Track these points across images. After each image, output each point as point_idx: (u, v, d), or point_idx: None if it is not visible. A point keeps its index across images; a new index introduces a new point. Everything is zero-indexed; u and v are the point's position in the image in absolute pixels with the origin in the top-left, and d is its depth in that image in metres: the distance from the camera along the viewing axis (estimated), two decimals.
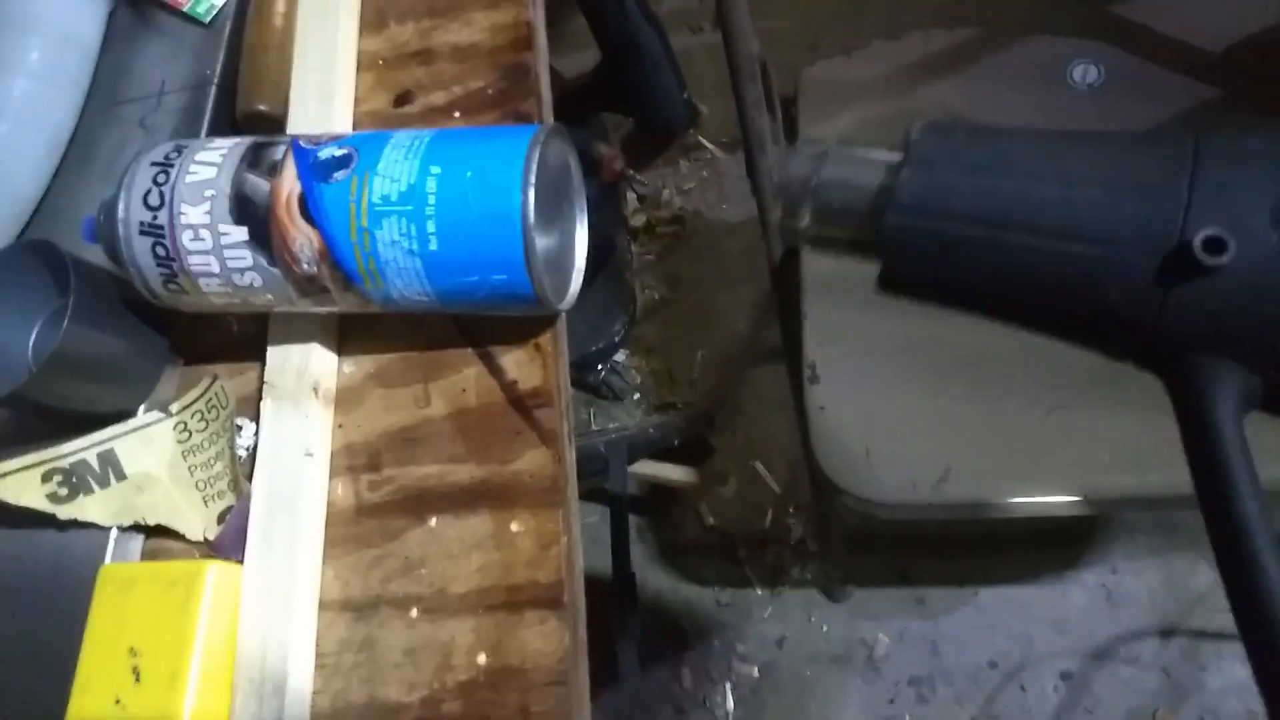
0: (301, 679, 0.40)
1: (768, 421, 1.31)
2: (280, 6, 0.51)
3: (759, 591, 1.24)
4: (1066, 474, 0.75)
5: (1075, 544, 1.15)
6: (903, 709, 1.12)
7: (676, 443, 1.21)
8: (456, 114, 0.48)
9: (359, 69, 0.51)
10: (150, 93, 0.53)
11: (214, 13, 0.53)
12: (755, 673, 1.20)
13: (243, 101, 0.50)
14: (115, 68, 0.54)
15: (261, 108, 0.49)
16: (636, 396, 1.38)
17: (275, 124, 0.49)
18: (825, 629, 1.19)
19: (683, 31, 1.56)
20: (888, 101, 0.91)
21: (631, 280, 1.40)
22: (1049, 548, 1.16)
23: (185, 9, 0.53)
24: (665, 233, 1.43)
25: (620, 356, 1.39)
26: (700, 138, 1.51)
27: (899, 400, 0.79)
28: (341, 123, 0.49)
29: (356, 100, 0.51)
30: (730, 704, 1.19)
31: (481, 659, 0.39)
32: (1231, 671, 1.05)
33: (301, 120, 0.49)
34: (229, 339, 0.48)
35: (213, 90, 0.51)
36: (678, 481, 1.19)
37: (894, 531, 1.19)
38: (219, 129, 0.51)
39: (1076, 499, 0.75)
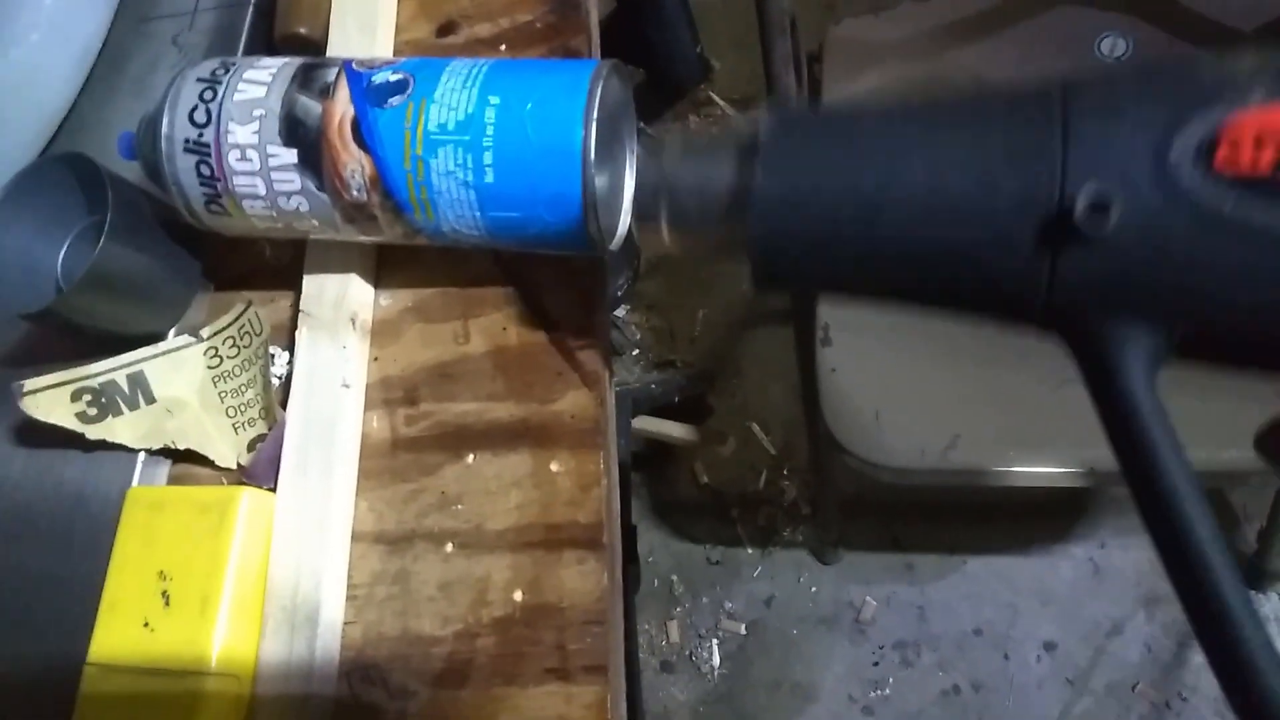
0: (333, 609, 0.40)
1: (765, 385, 1.31)
2: None
3: (749, 551, 1.25)
4: (1072, 446, 0.75)
5: (1066, 518, 1.17)
6: (887, 672, 1.14)
7: (676, 400, 1.22)
8: (503, 47, 0.47)
9: None
10: (183, 10, 0.51)
11: None
12: (742, 630, 1.21)
13: (281, 24, 0.48)
14: None
15: (301, 31, 0.48)
16: (636, 353, 1.38)
17: (314, 48, 0.48)
18: (814, 590, 1.21)
19: None
20: (913, 64, 0.91)
21: (635, 236, 1.39)
22: (1040, 520, 1.17)
23: None
24: None
25: (621, 312, 1.38)
26: (711, 93, 1.49)
27: (910, 366, 0.80)
28: (383, 50, 0.48)
29: (397, 28, 0.49)
30: (716, 660, 1.20)
31: (518, 595, 0.39)
32: None
33: (341, 46, 0.47)
34: (262, 265, 0.47)
35: (249, 11, 0.50)
36: (677, 439, 1.19)
37: (887, 497, 1.20)
38: (254, 51, 0.50)
39: (1079, 470, 0.75)
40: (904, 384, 0.79)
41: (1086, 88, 0.26)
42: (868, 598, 1.18)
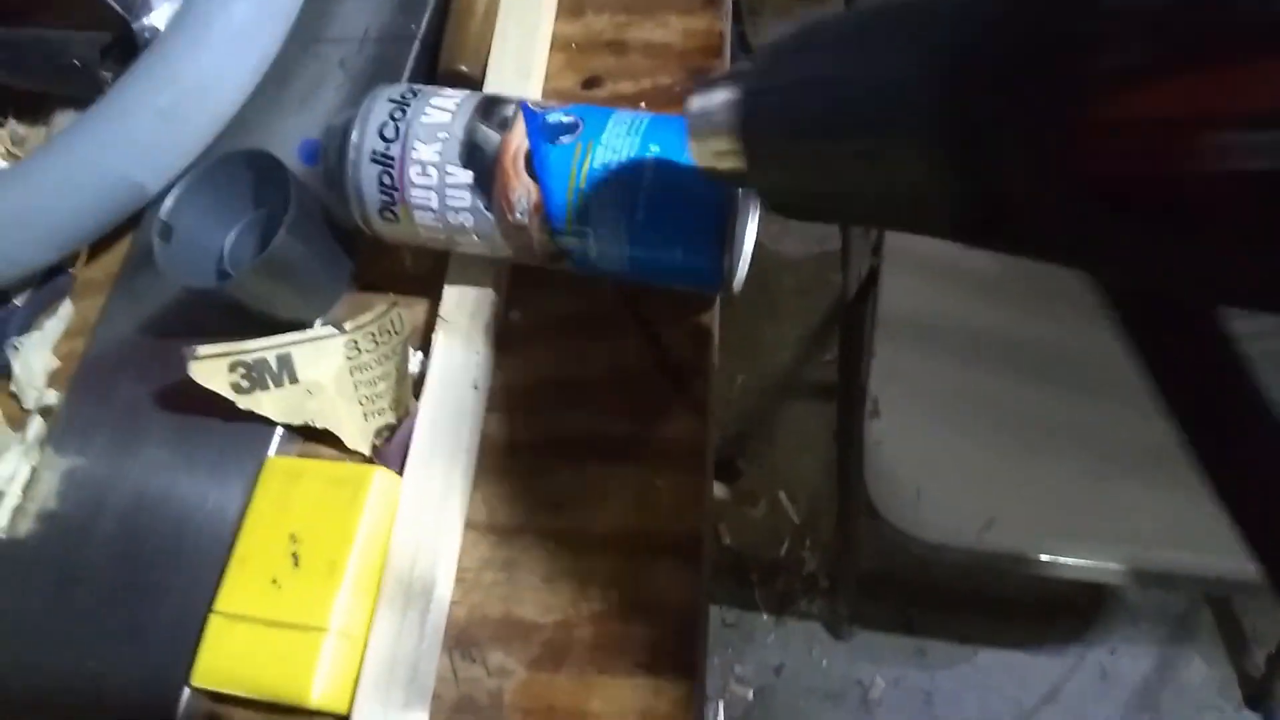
0: (444, 588, 0.43)
1: (796, 454, 1.34)
2: None
3: (765, 617, 1.27)
4: (1104, 541, 0.78)
5: (1079, 620, 1.19)
6: None
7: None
8: (642, 104, 0.52)
9: (552, 48, 0.55)
10: (352, 36, 0.57)
11: None
12: (750, 695, 1.22)
13: (445, 60, 0.54)
14: (321, 7, 0.58)
15: (463, 68, 0.53)
16: None
17: (473, 85, 0.53)
18: (824, 664, 1.22)
19: None
20: None
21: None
22: (1054, 620, 1.19)
23: None
24: None
25: None
26: None
27: (954, 445, 0.83)
28: (533, 94, 0.53)
29: (547, 76, 0.55)
30: None
31: (615, 595, 0.42)
32: None
33: (496, 86, 0.53)
34: (403, 272, 0.51)
35: (415, 44, 0.55)
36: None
37: (906, 578, 1.23)
38: (417, 81, 0.55)
39: (1109, 566, 0.78)
40: (947, 462, 0.83)
41: None
42: (877, 677, 1.20)
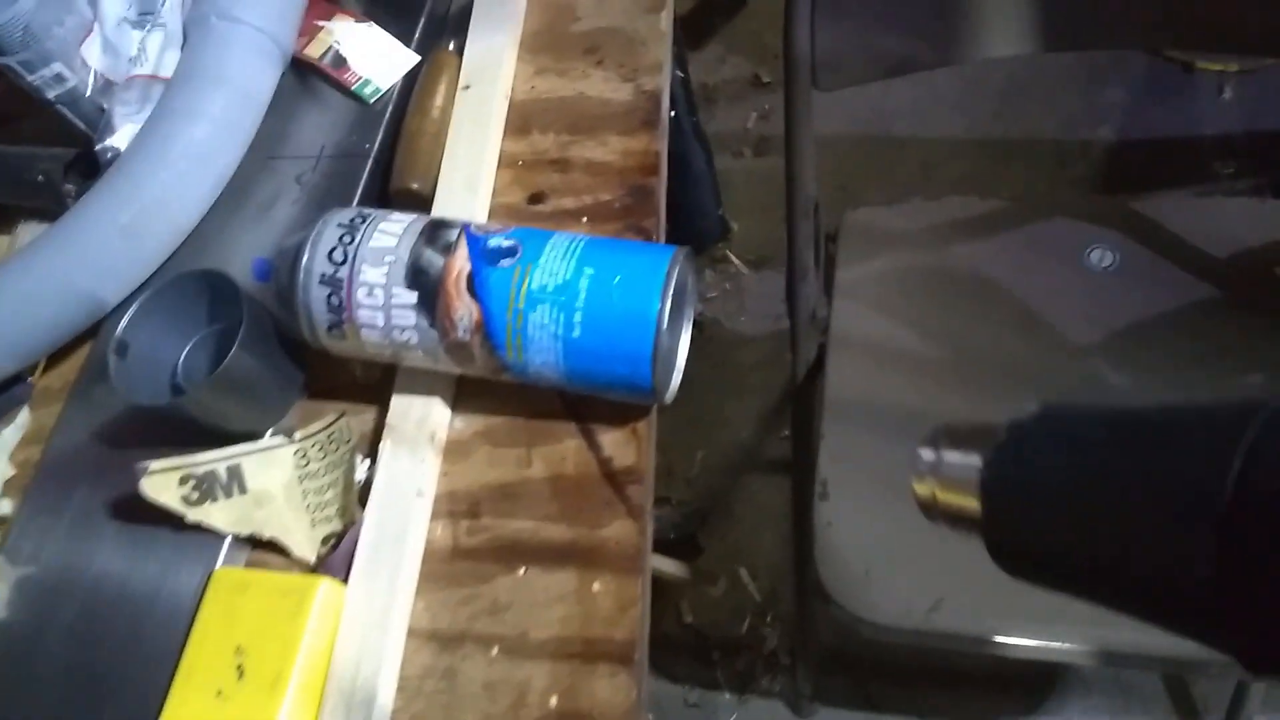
0: (386, 697, 0.44)
1: (757, 530, 1.36)
2: (439, 101, 0.59)
3: (727, 696, 1.27)
4: (1049, 621, 0.80)
5: (1035, 693, 1.20)
6: None
7: (672, 536, 1.26)
8: (584, 219, 0.55)
9: (500, 165, 0.58)
10: (309, 154, 0.60)
11: (378, 94, 0.61)
12: None
13: (397, 179, 0.57)
14: (278, 126, 0.61)
15: (414, 186, 0.56)
16: None
17: (423, 202, 0.56)
18: None
19: (725, 154, 1.67)
20: (920, 254, 1.00)
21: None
22: (1010, 693, 1.20)
23: (353, 88, 0.61)
24: None
25: None
26: (728, 252, 1.60)
27: (902, 527, 0.85)
28: (481, 210, 0.56)
29: (495, 192, 0.58)
30: None
31: (553, 701, 0.44)
32: None
33: (446, 202, 0.56)
34: (352, 381, 0.53)
35: (369, 163, 0.58)
36: (669, 575, 1.23)
37: (865, 654, 1.23)
38: (370, 197, 0.58)
39: (1054, 646, 0.80)
40: (896, 544, 0.85)
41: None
42: None
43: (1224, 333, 0.88)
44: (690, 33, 1.79)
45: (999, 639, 0.81)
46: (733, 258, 1.59)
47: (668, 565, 1.23)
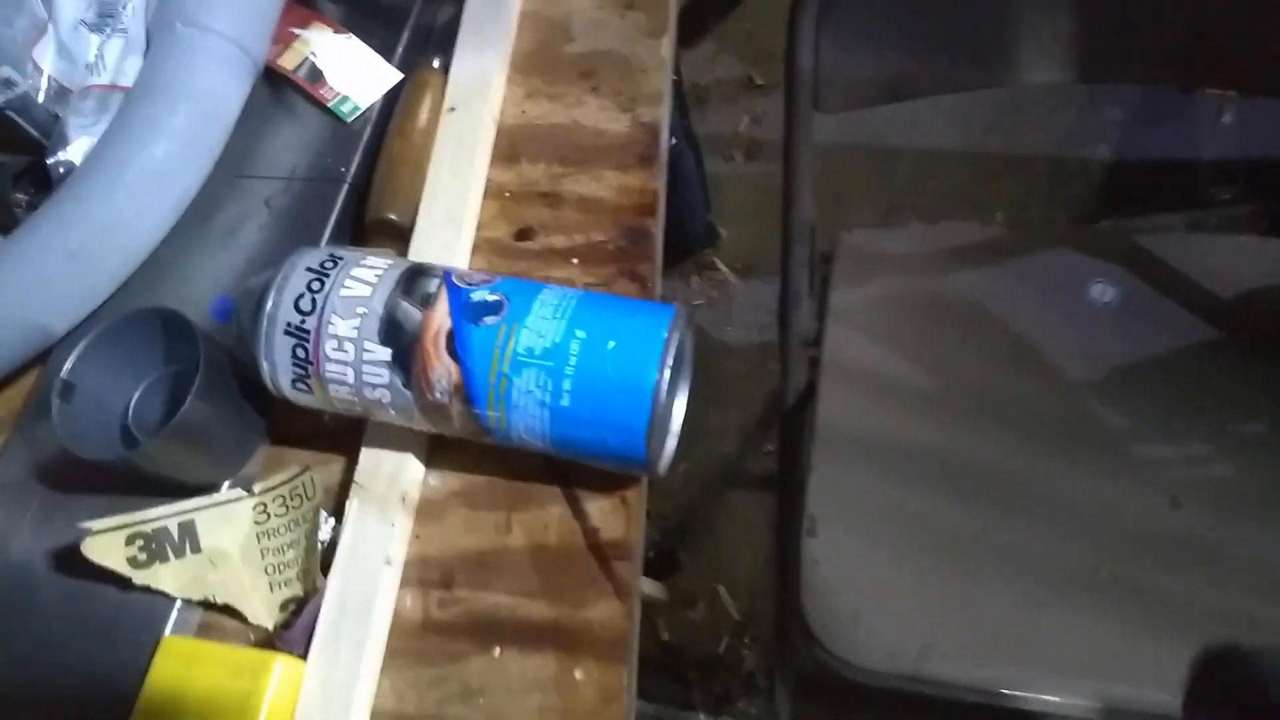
0: None
1: (738, 547, 1.33)
2: (421, 123, 0.55)
3: (702, 718, 1.24)
4: (1037, 672, 0.78)
5: None
6: None
7: (650, 554, 1.23)
8: (575, 260, 0.52)
9: (486, 195, 0.54)
10: (279, 174, 0.55)
11: (356, 113, 0.56)
12: None
13: (374, 207, 0.53)
14: (247, 143, 0.57)
15: (392, 216, 0.52)
16: None
17: (401, 233, 0.52)
18: None
19: (715, 158, 1.63)
20: (916, 280, 0.97)
21: None
22: None
23: (330, 104, 0.56)
24: None
25: None
26: (715, 259, 1.56)
27: (892, 569, 0.82)
28: (463, 245, 0.52)
29: (480, 225, 0.54)
30: None
31: None
32: None
33: (426, 235, 0.51)
34: (319, 429, 0.49)
35: (345, 188, 0.54)
36: (648, 595, 1.20)
37: (843, 684, 1.21)
38: (344, 225, 0.54)
39: (1040, 697, 0.78)
40: (885, 586, 0.82)
41: None
42: None
43: (1225, 379, 0.86)
44: (682, 29, 1.75)
45: (987, 689, 0.79)
46: (720, 265, 1.56)
47: (646, 585, 1.20)
